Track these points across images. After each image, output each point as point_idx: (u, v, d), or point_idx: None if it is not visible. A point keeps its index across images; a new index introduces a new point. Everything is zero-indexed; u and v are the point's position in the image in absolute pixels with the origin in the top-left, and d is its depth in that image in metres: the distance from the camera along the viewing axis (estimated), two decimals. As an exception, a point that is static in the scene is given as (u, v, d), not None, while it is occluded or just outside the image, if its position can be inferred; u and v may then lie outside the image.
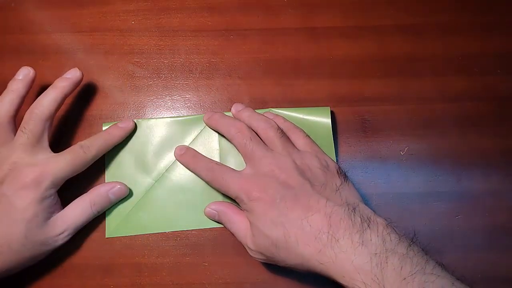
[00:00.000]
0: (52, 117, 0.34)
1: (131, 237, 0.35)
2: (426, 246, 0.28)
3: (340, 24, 0.41)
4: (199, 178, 0.36)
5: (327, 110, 0.37)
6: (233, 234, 0.34)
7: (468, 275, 0.35)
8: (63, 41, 0.40)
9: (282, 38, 0.40)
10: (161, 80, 0.39)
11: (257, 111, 0.37)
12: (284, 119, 0.36)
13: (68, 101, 0.38)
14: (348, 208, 0.29)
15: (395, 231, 0.28)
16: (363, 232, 0.27)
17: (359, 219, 0.28)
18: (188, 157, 0.36)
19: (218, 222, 0.35)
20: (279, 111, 0.37)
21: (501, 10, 0.41)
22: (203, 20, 0.41)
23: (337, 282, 0.27)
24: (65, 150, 0.33)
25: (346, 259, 0.27)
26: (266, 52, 0.40)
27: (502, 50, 0.40)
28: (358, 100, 0.39)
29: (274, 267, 0.35)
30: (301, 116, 0.37)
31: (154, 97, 0.39)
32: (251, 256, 0.32)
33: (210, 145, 0.37)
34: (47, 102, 0.34)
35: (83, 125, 0.38)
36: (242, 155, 0.34)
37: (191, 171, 0.36)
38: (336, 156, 0.37)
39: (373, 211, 0.30)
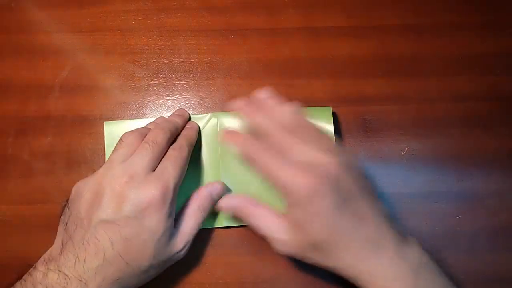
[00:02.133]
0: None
1: (131, 237, 0.35)
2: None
3: (341, 23, 0.40)
4: (204, 179, 0.36)
5: (329, 111, 0.36)
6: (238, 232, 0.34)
7: (469, 276, 0.35)
8: (63, 41, 0.40)
9: (282, 38, 0.40)
10: (162, 80, 0.39)
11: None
12: None
13: (68, 101, 0.38)
14: (388, 221, 0.29)
15: (426, 250, 0.29)
16: (401, 247, 0.28)
17: (397, 234, 0.29)
18: (238, 138, 0.32)
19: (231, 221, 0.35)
20: (280, 111, 0.37)
21: (503, 10, 0.41)
22: (203, 20, 0.41)
23: None
24: (163, 160, 0.31)
25: (387, 272, 0.28)
26: (266, 52, 0.40)
27: (504, 50, 0.40)
28: (359, 100, 0.39)
29: (274, 267, 0.35)
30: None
31: (154, 97, 0.39)
32: (275, 249, 0.30)
33: (211, 145, 0.37)
34: (176, 118, 0.35)
35: (83, 125, 0.38)
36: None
37: (246, 159, 0.32)
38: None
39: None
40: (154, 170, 0.31)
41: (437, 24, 0.41)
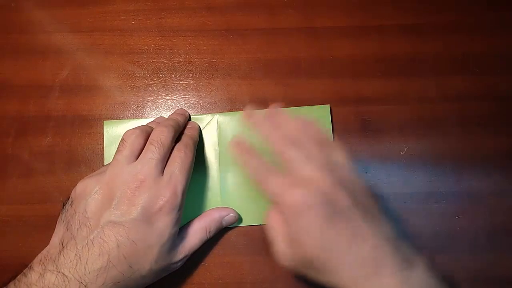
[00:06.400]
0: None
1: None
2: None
3: (340, 23, 0.40)
4: (203, 178, 0.36)
5: (327, 109, 0.37)
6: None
7: (468, 275, 0.35)
8: (63, 41, 0.40)
9: (282, 38, 0.40)
10: (161, 80, 0.39)
11: (257, 111, 0.37)
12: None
13: (68, 101, 0.38)
14: (391, 243, 0.27)
15: (433, 273, 0.27)
16: (404, 271, 0.26)
17: (401, 257, 0.27)
18: (243, 149, 0.33)
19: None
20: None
21: (503, 10, 0.41)
22: (203, 20, 0.41)
23: None
24: (170, 162, 0.31)
25: None
26: (266, 52, 0.40)
27: (503, 49, 0.40)
28: (358, 100, 0.39)
29: (274, 267, 0.35)
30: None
31: (154, 97, 0.39)
32: (280, 262, 0.30)
33: (210, 145, 0.37)
34: (177, 116, 0.35)
35: (83, 125, 0.38)
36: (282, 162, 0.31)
37: (240, 164, 0.34)
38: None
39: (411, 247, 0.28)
40: (162, 172, 0.31)
41: (437, 24, 0.40)
